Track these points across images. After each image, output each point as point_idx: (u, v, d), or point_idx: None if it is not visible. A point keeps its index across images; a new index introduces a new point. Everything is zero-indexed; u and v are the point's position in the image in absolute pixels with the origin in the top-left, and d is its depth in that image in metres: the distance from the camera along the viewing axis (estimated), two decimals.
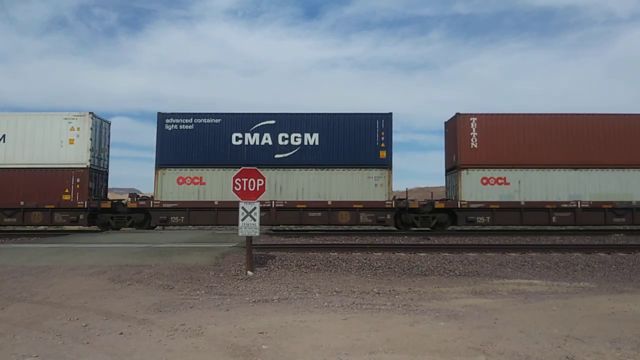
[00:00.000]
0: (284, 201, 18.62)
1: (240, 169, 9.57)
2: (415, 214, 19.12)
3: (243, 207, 9.35)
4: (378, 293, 7.62)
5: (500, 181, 18.96)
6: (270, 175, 18.15)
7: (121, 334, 5.11)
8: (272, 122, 19.08)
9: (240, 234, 9.34)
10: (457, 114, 19.25)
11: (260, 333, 5.10)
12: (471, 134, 19.07)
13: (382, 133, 19.01)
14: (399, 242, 14.70)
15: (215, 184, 18.71)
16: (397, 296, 7.40)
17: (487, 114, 19.24)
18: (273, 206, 18.46)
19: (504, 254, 11.73)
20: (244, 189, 9.40)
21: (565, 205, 18.69)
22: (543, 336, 5.00)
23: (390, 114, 19.17)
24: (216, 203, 18.54)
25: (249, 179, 9.42)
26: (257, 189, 9.43)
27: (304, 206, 18.53)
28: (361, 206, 18.51)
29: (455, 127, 19.29)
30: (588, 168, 18.95)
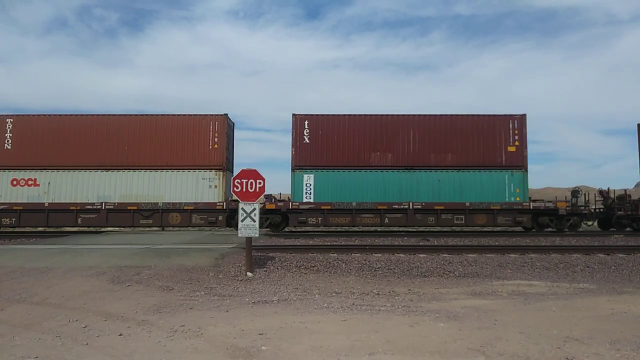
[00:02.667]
0: None
1: (240, 170, 9.56)
2: None
3: (242, 209, 9.35)
4: (378, 294, 7.62)
5: (30, 182, 19.08)
6: None
7: (121, 335, 5.10)
8: None
9: (239, 234, 9.34)
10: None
11: (259, 334, 5.10)
12: (6, 135, 19.29)
13: None
14: (398, 243, 14.70)
15: None
16: (396, 297, 7.40)
17: (22, 115, 19.57)
18: None
19: (503, 255, 11.73)
20: (244, 190, 9.40)
21: (90, 207, 18.86)
22: (543, 337, 5.00)
23: None
24: None
25: (248, 180, 9.41)
26: (257, 190, 9.42)
27: None
28: None
29: None
30: (118, 169, 19.07)
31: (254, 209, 9.34)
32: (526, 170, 19.23)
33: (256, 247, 12.22)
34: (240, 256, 10.83)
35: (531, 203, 19.21)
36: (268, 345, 4.69)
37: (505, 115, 19.48)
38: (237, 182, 9.43)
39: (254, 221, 9.32)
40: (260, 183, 9.45)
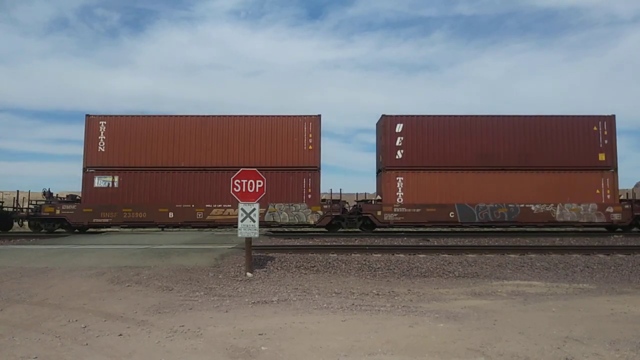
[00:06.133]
0: None
1: (240, 170, 9.55)
2: None
3: (242, 209, 9.34)
4: (377, 294, 7.62)
5: None
6: None
7: (120, 335, 5.10)
8: None
9: (239, 235, 9.33)
10: None
11: (259, 334, 5.10)
12: None
13: None
14: (398, 244, 14.70)
15: None
16: (396, 297, 7.39)
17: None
18: None
19: (503, 255, 11.73)
20: (243, 190, 9.39)
21: None
22: (542, 337, 5.00)
23: None
24: None
25: (248, 180, 9.41)
26: (257, 190, 9.42)
27: None
28: None
29: None
30: None
31: (254, 209, 9.34)
32: None
33: (256, 247, 12.21)
34: (240, 256, 10.83)
35: None
36: (268, 346, 4.69)
37: None
38: (237, 182, 9.42)
39: (254, 221, 9.31)
40: (260, 183, 9.44)
